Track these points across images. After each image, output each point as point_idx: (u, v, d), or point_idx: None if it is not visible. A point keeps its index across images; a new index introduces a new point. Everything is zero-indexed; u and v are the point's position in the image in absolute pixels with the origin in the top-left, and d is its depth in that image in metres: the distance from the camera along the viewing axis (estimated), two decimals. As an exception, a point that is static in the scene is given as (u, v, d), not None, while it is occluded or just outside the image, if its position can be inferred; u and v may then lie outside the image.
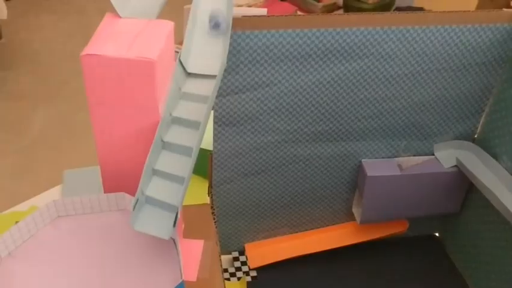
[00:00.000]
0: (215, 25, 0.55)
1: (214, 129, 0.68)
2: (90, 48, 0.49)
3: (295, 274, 0.81)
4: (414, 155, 0.78)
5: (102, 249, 0.52)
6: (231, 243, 0.82)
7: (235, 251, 0.83)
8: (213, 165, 0.73)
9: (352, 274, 0.81)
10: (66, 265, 0.51)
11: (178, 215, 0.49)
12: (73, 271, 0.51)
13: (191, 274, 0.59)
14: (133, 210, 0.49)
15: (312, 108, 0.69)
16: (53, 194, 0.85)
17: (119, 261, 0.51)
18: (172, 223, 0.49)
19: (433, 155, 0.78)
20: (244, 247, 0.83)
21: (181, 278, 0.47)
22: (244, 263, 0.82)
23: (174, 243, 0.52)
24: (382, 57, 0.66)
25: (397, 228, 0.83)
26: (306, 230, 0.84)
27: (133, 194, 0.53)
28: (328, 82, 0.67)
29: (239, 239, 0.82)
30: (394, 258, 0.84)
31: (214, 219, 0.73)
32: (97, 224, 0.54)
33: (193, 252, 0.63)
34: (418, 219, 0.85)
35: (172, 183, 0.51)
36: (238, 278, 0.80)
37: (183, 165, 0.51)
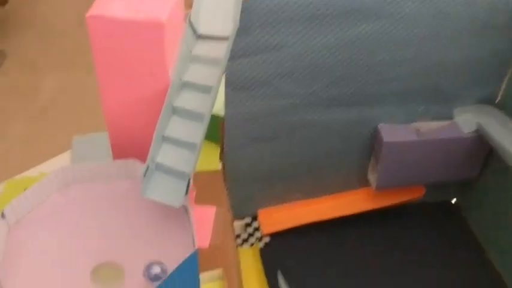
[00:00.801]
0: None
1: (226, 93, 0.66)
2: (96, 9, 0.47)
3: (309, 241, 0.79)
4: (433, 120, 0.75)
5: (111, 217, 0.51)
6: (243, 209, 0.81)
7: (248, 216, 0.82)
8: (225, 131, 0.71)
9: (367, 240, 0.80)
10: (75, 233, 0.50)
11: (191, 183, 0.48)
12: (82, 239, 0.49)
13: (203, 241, 0.58)
14: (144, 177, 0.48)
15: (328, 71, 0.66)
16: (63, 160, 0.83)
17: (129, 230, 0.50)
18: (184, 191, 0.48)
19: (452, 119, 0.75)
20: (256, 213, 0.81)
21: (195, 246, 0.46)
22: (256, 229, 0.80)
23: (186, 211, 0.50)
24: (402, 17, 0.63)
25: (413, 195, 0.82)
26: (320, 196, 0.82)
27: (143, 161, 0.51)
28: (345, 44, 0.64)
29: (251, 205, 0.81)
30: (409, 225, 0.82)
31: (226, 185, 0.71)
32: (106, 191, 0.52)
33: (205, 219, 0.62)
34: (435, 186, 0.83)
35: (184, 150, 0.49)
36: (251, 244, 0.79)
37: (195, 132, 0.49)
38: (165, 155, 0.49)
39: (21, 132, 1.83)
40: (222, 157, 0.74)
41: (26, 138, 1.79)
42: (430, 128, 0.75)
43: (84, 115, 1.86)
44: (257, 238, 0.79)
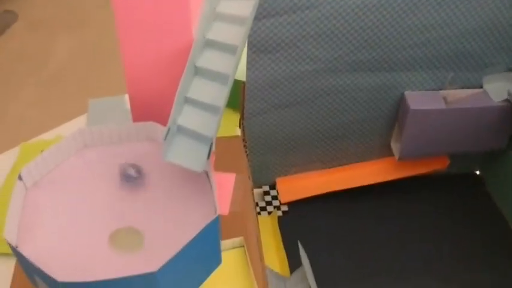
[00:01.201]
0: None
1: (248, 56, 0.64)
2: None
3: (328, 210, 0.78)
4: (461, 88, 0.73)
5: (130, 182, 0.49)
6: (261, 177, 0.79)
7: (266, 184, 0.80)
8: (246, 96, 0.69)
9: (388, 211, 0.78)
10: (93, 196, 0.48)
11: (213, 147, 0.46)
12: (100, 203, 0.48)
13: (223, 208, 0.57)
14: (165, 140, 0.46)
15: (355, 35, 0.64)
16: (79, 123, 0.82)
17: (148, 194, 0.49)
18: (206, 155, 0.46)
19: (482, 87, 0.72)
20: (275, 181, 0.80)
21: (216, 212, 0.44)
22: (275, 197, 0.79)
23: (207, 176, 0.48)
24: (434, -22, 0.60)
25: (437, 165, 0.79)
26: (340, 165, 0.80)
27: (163, 124, 0.49)
28: (374, 6, 0.61)
29: (270, 173, 0.79)
30: (432, 196, 0.81)
31: (245, 152, 0.69)
32: (125, 154, 0.51)
33: (225, 186, 0.60)
34: (460, 156, 0.81)
35: (206, 113, 0.47)
36: (269, 213, 0.78)
37: (218, 94, 0.47)
38: (187, 118, 0.47)
39: (33, 96, 1.81)
40: (241, 123, 0.72)
41: (39, 103, 1.78)
42: (459, 96, 0.73)
43: (97, 79, 1.83)
44: (275, 207, 0.78)
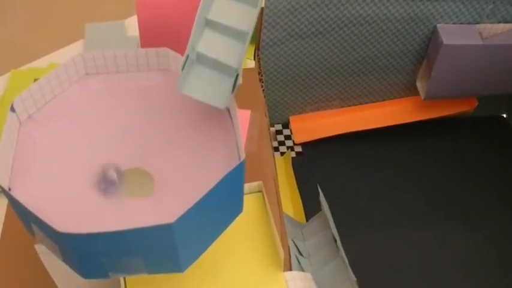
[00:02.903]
0: None
1: (268, -22, 0.56)
2: None
3: (345, 152, 0.72)
4: (499, 22, 0.66)
5: (139, 116, 0.43)
6: (274, 114, 0.73)
7: (278, 123, 0.74)
8: (263, 24, 0.61)
9: (409, 154, 0.73)
10: (97, 133, 0.42)
11: (239, 80, 0.39)
12: (105, 140, 0.42)
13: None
14: (182, 70, 0.39)
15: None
16: (75, 50, 0.75)
17: (160, 132, 0.42)
18: (230, 89, 0.40)
19: (524, 22, 0.66)
20: (288, 119, 0.74)
21: (241, 156, 0.38)
22: (288, 137, 0.73)
23: (230, 113, 0.42)
24: None
25: (464, 107, 0.74)
26: (360, 104, 0.74)
27: (178, 51, 0.43)
28: None
29: (284, 111, 0.73)
30: (455, 139, 0.75)
31: (261, 86, 0.63)
32: (134, 85, 0.44)
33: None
34: (488, 98, 0.75)
35: (231, 39, 0.40)
36: (282, 153, 0.72)
37: (245, 17, 0.40)
38: (208, 44, 0.40)
39: (23, 19, 1.70)
40: (257, 54, 0.65)
41: (30, 27, 1.67)
42: (496, 31, 0.66)
43: (93, 2, 1.72)
44: (288, 147, 0.72)
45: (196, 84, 0.40)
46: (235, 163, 0.40)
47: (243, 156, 0.38)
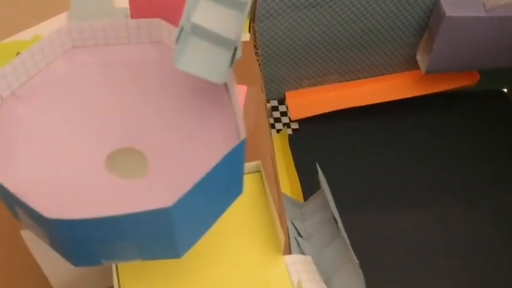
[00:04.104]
0: None
1: None
2: None
3: (344, 129, 0.70)
4: (504, -7, 0.63)
5: (130, 92, 0.40)
6: (270, 90, 0.71)
7: (274, 99, 0.72)
8: (259, -6, 0.59)
9: (409, 130, 0.71)
10: (85, 110, 0.39)
11: (238, 53, 0.37)
12: (93, 118, 0.39)
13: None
14: (177, 43, 0.36)
15: None
16: (61, 22, 0.71)
17: (152, 109, 0.40)
18: (228, 63, 0.37)
19: (530, -7, 0.63)
20: (284, 95, 0.71)
21: (241, 135, 0.36)
22: (284, 114, 0.71)
23: (227, 89, 0.39)
24: None
25: (466, 81, 0.71)
26: (359, 78, 0.72)
27: (171, 22, 0.40)
28: None
29: (280, 86, 0.70)
30: (456, 114, 0.73)
31: (257, 60, 0.60)
32: (124, 59, 0.41)
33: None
34: (490, 72, 0.73)
35: (228, 9, 0.38)
36: (278, 131, 0.70)
37: (244, -16, 0.37)
38: (205, 14, 0.37)
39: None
40: (252, 26, 0.62)
41: None
42: (499, 2, 0.63)
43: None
44: (284, 124, 0.70)
45: (192, 58, 0.37)
46: (234, 142, 0.38)
47: (243, 134, 0.35)
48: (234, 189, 0.38)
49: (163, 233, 0.33)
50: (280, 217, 0.45)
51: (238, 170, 0.37)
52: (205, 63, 0.37)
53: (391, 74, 0.71)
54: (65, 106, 0.39)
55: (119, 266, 0.40)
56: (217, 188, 0.35)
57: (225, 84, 0.39)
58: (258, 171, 0.48)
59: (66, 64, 0.40)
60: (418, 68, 0.69)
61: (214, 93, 0.40)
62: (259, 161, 0.47)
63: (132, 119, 0.39)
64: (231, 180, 0.37)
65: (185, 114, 0.39)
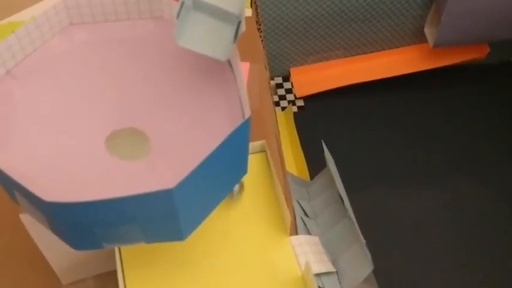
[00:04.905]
0: None
1: None
2: None
3: (350, 105, 0.69)
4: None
5: (130, 70, 0.39)
6: (274, 67, 0.70)
7: (278, 76, 0.70)
8: (262, -33, 0.57)
9: (417, 106, 0.70)
10: (84, 90, 0.38)
11: (242, 27, 0.35)
12: (92, 96, 0.38)
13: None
14: (177, 18, 0.35)
15: None
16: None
17: (154, 89, 0.38)
18: (231, 38, 0.36)
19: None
20: (289, 72, 0.70)
21: (246, 113, 0.35)
22: (289, 91, 0.70)
23: (231, 65, 0.38)
24: None
25: (476, 54, 0.70)
26: (365, 53, 0.70)
27: (172, -3, 0.38)
28: None
29: (284, 63, 0.69)
30: (466, 88, 0.72)
31: (260, 37, 0.59)
32: (124, 35, 0.40)
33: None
34: (499, 44, 0.71)
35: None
36: (283, 108, 0.69)
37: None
38: (206, -12, 0.36)
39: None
40: (254, 1, 0.60)
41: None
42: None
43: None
44: (289, 101, 0.69)
45: (194, 34, 0.36)
46: (238, 121, 0.37)
47: (248, 113, 0.34)
48: (239, 170, 0.37)
49: (166, 215, 0.33)
50: (285, 197, 0.44)
51: (243, 149, 0.36)
52: (208, 39, 0.36)
53: (398, 48, 0.70)
54: (62, 85, 0.38)
55: (122, 250, 0.39)
56: (222, 169, 0.34)
57: (228, 61, 0.38)
58: (263, 151, 0.47)
59: (64, 42, 0.39)
60: (426, 41, 0.68)
61: (217, 71, 0.38)
62: (264, 141, 0.46)
63: (132, 98, 0.38)
64: (236, 160, 0.36)
65: (187, 93, 0.38)
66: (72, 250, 0.35)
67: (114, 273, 0.39)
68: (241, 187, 0.41)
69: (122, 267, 0.39)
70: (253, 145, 0.46)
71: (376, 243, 0.48)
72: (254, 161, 0.46)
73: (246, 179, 0.41)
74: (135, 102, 0.38)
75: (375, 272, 0.44)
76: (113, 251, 0.39)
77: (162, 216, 0.33)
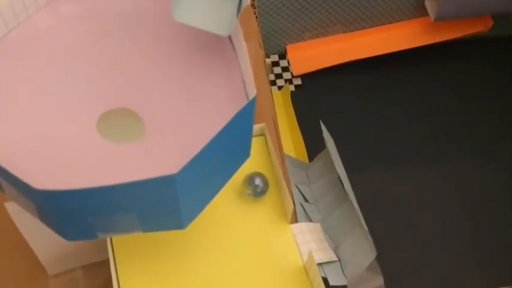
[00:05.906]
0: None
1: None
2: None
3: (349, 83, 0.68)
4: None
5: (122, 48, 0.37)
6: (269, 44, 0.68)
7: (274, 54, 0.69)
8: None
9: (418, 83, 0.69)
10: (71, 68, 0.36)
11: (245, 1, 0.33)
12: (82, 75, 0.36)
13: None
14: (175, -10, 0.33)
15: None
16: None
17: (148, 68, 0.37)
18: (234, 12, 0.33)
19: None
20: (285, 49, 0.68)
21: (250, 93, 0.33)
22: (285, 69, 0.68)
23: (232, 42, 0.36)
24: None
25: (478, 27, 0.69)
26: (364, 28, 0.69)
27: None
28: None
29: (280, 39, 0.67)
30: (468, 63, 0.71)
31: (254, 13, 0.57)
32: (114, 9, 0.37)
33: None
34: (502, 17, 0.70)
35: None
36: (279, 87, 0.67)
37: None
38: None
39: None
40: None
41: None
42: None
43: None
44: (286, 80, 0.67)
45: (192, 7, 0.34)
46: (241, 101, 0.35)
47: (253, 92, 0.32)
48: (241, 154, 0.35)
49: (166, 203, 0.31)
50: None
51: (246, 132, 0.34)
52: (208, 13, 0.34)
53: (398, 22, 0.69)
54: (49, 63, 0.35)
55: (113, 240, 0.37)
56: (225, 153, 0.32)
57: (229, 37, 0.36)
58: (262, 134, 0.45)
59: (49, 16, 0.37)
60: (427, 14, 0.66)
61: (217, 47, 0.36)
62: (263, 124, 0.44)
63: (125, 77, 0.36)
64: (239, 143, 0.34)
65: (185, 72, 0.36)
66: (61, 240, 0.33)
67: (103, 263, 0.37)
68: (266, 185, 0.40)
69: (113, 257, 0.37)
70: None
71: (378, 225, 0.46)
72: (253, 145, 0.44)
73: (245, 165, 0.39)
74: (128, 81, 0.36)
75: (378, 257, 0.43)
76: (104, 241, 0.38)
77: (161, 204, 0.31)
